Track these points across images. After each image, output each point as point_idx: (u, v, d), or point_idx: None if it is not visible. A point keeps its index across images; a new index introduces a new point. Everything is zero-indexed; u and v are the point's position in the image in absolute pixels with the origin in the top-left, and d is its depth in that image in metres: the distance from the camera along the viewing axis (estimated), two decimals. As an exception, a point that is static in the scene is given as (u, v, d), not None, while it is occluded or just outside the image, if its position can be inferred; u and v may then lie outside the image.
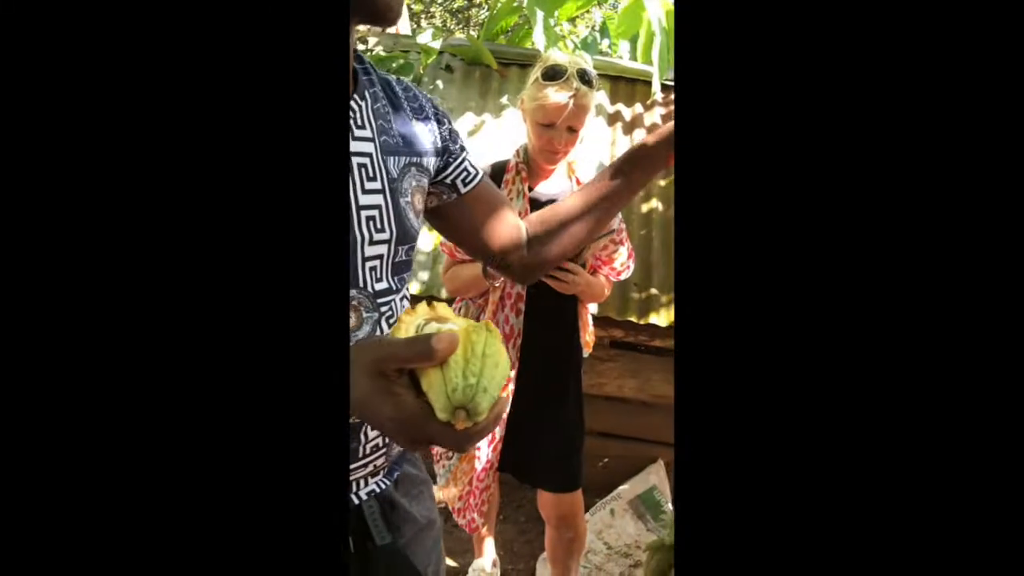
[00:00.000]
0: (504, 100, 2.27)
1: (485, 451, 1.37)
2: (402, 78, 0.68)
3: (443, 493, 1.45)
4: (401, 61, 2.32)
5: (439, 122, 0.67)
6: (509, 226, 0.73)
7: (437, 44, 2.31)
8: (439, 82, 2.34)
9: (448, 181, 0.69)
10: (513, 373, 1.31)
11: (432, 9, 7.21)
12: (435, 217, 0.73)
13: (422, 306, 0.48)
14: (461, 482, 1.42)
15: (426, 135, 0.65)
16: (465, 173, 0.70)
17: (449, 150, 0.68)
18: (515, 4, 2.77)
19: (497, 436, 1.35)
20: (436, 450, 1.42)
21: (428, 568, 0.70)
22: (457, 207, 0.71)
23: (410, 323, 0.46)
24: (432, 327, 0.46)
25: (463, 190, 0.70)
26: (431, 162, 0.66)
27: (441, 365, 0.40)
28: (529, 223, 0.74)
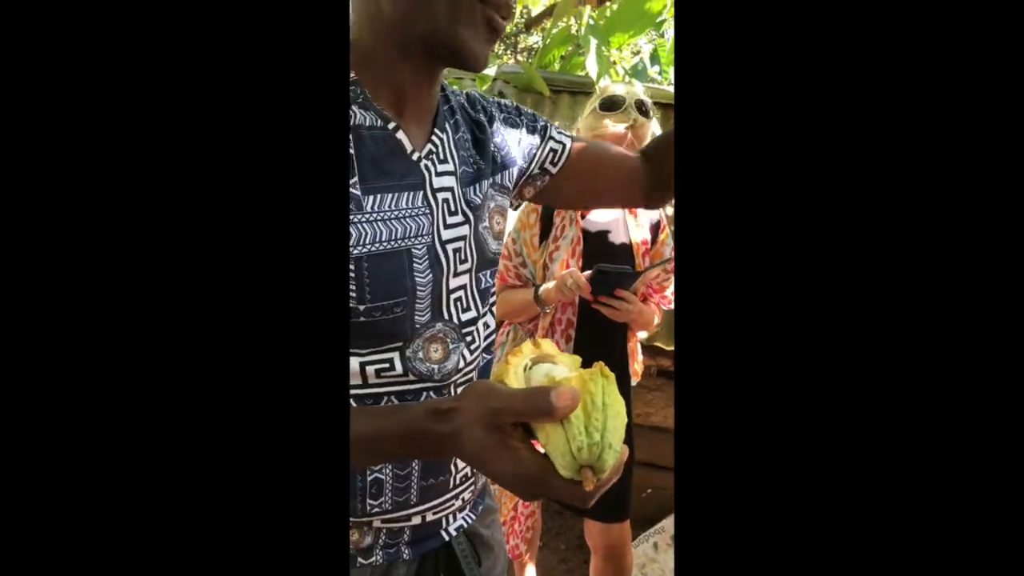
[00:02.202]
0: (555, 126, 2.30)
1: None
2: (484, 94, 0.68)
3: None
4: (455, 87, 2.39)
5: (524, 124, 0.67)
6: (618, 171, 0.70)
7: (492, 71, 2.37)
8: (492, 107, 2.39)
9: (536, 172, 0.68)
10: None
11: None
12: (544, 197, 0.72)
13: (527, 345, 0.46)
14: (506, 507, 1.42)
15: (514, 147, 0.65)
16: (551, 154, 0.68)
17: (532, 148, 0.67)
18: (571, 32, 2.82)
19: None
20: None
21: None
22: (559, 183, 0.69)
23: (517, 365, 0.43)
24: (540, 369, 0.44)
25: (554, 170, 0.68)
26: (514, 173, 0.66)
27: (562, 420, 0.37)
28: (644, 153, 0.72)
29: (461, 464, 0.60)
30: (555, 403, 0.37)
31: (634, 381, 1.44)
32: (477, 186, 0.60)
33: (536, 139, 0.67)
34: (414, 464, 0.57)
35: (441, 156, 0.57)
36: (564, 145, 0.68)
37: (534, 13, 3.21)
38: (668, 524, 1.79)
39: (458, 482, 0.61)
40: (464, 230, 0.57)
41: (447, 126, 0.59)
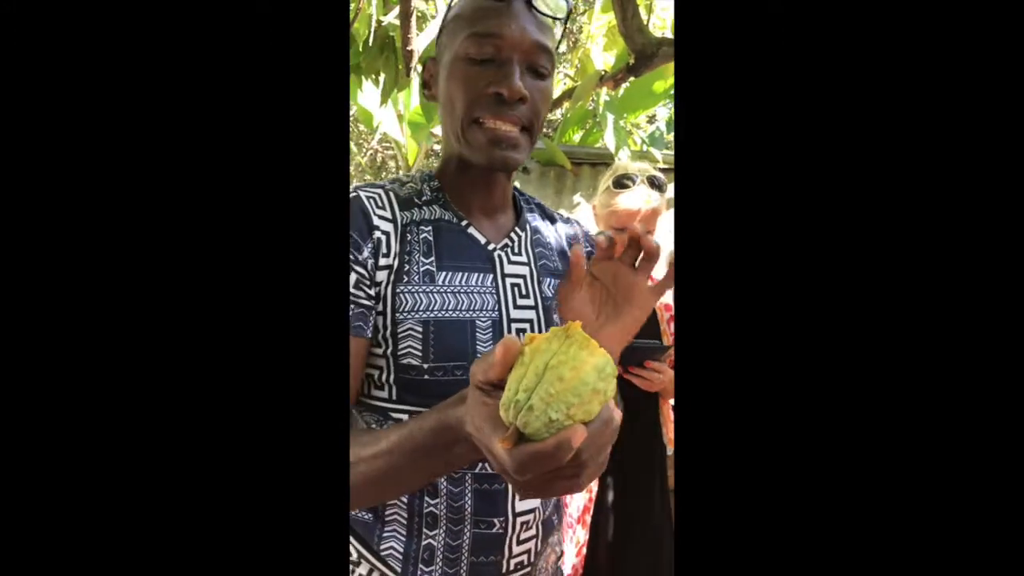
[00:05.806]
0: (577, 198, 2.38)
1: (570, 555, 1.32)
2: (569, 216, 0.78)
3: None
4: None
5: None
6: None
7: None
8: (516, 183, 2.49)
9: None
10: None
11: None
12: None
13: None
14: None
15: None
16: None
17: None
18: (587, 109, 2.96)
19: (581, 540, 1.31)
20: None
21: None
22: None
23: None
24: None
25: None
26: None
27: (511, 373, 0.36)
28: None
29: (517, 548, 0.60)
30: (485, 356, 0.37)
31: (670, 450, 1.41)
32: (552, 280, 0.68)
33: None
34: (466, 534, 0.58)
35: (516, 250, 0.66)
36: None
37: (554, 96, 3.38)
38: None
39: (511, 568, 0.60)
40: (532, 314, 0.64)
41: (528, 226, 0.69)
